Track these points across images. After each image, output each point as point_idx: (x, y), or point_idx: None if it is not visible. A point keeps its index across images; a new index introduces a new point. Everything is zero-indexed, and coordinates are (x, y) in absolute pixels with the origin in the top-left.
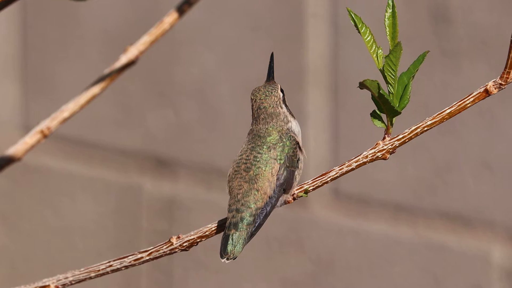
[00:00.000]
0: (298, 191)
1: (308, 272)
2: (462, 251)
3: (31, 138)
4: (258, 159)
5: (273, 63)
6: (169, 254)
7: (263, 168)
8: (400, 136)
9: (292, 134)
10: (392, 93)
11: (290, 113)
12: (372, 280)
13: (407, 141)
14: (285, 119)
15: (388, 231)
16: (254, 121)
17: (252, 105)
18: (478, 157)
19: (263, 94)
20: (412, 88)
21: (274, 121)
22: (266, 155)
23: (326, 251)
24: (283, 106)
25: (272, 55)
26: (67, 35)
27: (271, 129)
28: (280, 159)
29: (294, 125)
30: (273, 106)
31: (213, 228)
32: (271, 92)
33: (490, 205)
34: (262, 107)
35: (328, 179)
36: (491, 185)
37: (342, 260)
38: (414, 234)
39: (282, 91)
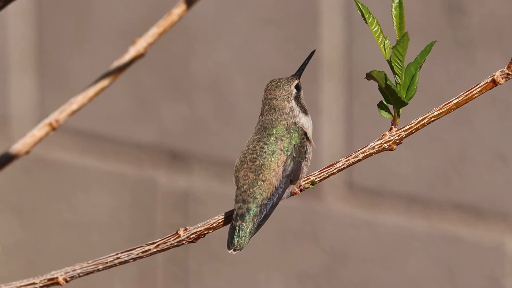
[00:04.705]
0: (304, 182)
1: (323, 264)
2: (476, 243)
3: (39, 131)
4: (264, 150)
5: (308, 61)
6: (177, 246)
7: (269, 159)
8: (407, 127)
9: (300, 126)
10: (399, 83)
11: (303, 109)
12: (386, 272)
13: (414, 132)
14: (291, 113)
15: (402, 223)
16: (261, 112)
17: (263, 95)
18: (492, 148)
19: (274, 85)
20: (427, 79)
21: (278, 113)
22: (272, 146)
23: (341, 243)
24: (292, 101)
25: (312, 53)
26: (82, 30)
27: (275, 121)
28: (287, 151)
29: (303, 120)
30: (278, 100)
31: (220, 220)
32: (282, 86)
33: (504, 196)
34: (268, 98)
35: (335, 170)
36: (505, 176)
37: (356, 252)
38: (428, 226)
39: (298, 87)
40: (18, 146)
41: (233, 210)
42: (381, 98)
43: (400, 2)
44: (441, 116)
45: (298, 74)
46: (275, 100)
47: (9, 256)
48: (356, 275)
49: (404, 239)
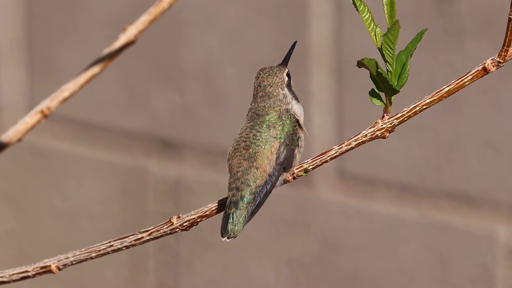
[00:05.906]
0: (297, 170)
1: (314, 253)
2: (467, 231)
3: (31, 118)
4: (257, 138)
5: (292, 51)
6: (170, 234)
7: (263, 146)
8: (399, 115)
9: (292, 113)
10: (390, 71)
11: (295, 97)
12: (378, 260)
13: (406, 120)
14: (284, 100)
15: (394, 211)
16: (253, 99)
17: (254, 83)
18: (482, 136)
19: (266, 73)
20: (417, 68)
21: (271, 100)
22: (265, 134)
23: (332, 231)
24: (285, 88)
25: (294, 44)
26: (71, 19)
27: (268, 108)
28: (280, 138)
29: (295, 107)
30: (272, 86)
31: (213, 208)
32: (275, 73)
33: (495, 184)
34: (262, 85)
35: (328, 158)
36: (496, 164)
37: (348, 240)
38: (420, 214)
39: (288, 76)
40: (10, 134)
41: (226, 198)
42: (370, 86)
43: None
44: (433, 104)
45: (285, 64)
46: (269, 87)
47: (0, 245)
48: (348, 263)
49: (395, 228)
